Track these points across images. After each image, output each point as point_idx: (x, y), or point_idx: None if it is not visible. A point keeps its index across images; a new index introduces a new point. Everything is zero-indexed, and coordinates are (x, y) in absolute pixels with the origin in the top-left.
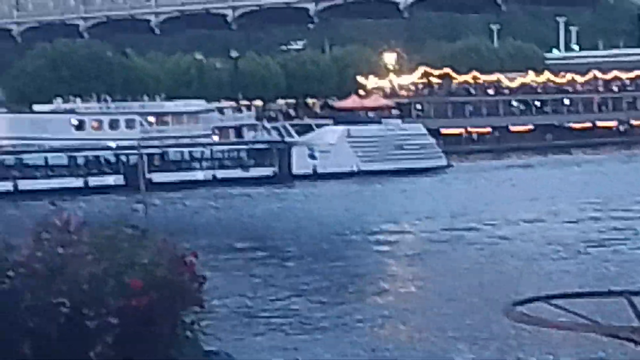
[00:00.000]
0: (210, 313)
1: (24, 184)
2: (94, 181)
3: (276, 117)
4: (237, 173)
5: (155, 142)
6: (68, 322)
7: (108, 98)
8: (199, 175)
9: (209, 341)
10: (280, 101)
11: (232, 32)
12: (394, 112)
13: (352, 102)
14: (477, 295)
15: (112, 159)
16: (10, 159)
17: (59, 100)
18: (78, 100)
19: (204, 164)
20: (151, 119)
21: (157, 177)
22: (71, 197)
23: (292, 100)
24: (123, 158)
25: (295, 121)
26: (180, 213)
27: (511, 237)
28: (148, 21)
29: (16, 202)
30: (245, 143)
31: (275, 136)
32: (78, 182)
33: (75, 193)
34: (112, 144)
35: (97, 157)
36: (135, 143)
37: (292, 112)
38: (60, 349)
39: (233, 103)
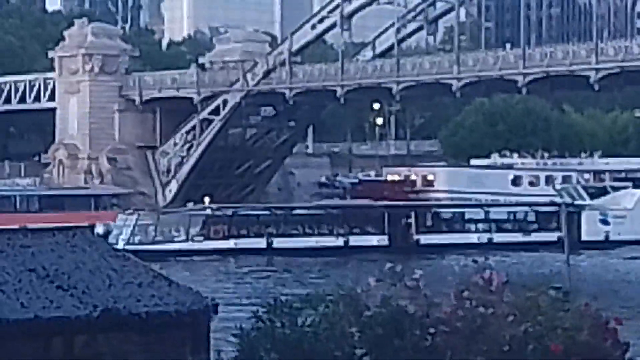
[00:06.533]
0: None
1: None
2: (354, 240)
3: None
4: (517, 237)
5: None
6: None
7: (545, 154)
8: (473, 237)
9: None
10: None
11: None
12: None
13: None
14: None
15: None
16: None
17: (496, 155)
18: (515, 155)
19: (480, 225)
20: (587, 176)
21: (426, 238)
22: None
23: None
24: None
25: (589, 184)
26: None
27: None
28: (587, 77)
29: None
30: (529, 205)
31: (565, 198)
32: (336, 242)
33: (336, 253)
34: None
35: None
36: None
37: None
38: None
39: None
